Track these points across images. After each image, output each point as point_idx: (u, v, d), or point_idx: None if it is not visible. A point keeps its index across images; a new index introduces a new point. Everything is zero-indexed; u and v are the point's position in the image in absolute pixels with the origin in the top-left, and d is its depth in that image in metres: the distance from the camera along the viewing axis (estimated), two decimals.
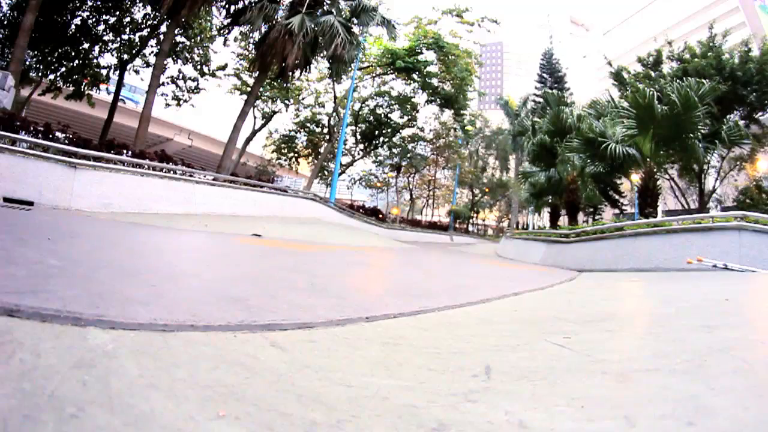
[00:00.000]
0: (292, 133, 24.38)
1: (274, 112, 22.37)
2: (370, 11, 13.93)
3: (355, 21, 14.10)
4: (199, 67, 17.89)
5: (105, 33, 15.41)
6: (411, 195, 34.66)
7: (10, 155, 5.49)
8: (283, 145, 24.82)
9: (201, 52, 17.64)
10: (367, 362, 0.92)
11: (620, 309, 2.06)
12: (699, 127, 8.96)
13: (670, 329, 1.40)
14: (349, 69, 16.77)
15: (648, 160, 9.35)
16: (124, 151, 8.16)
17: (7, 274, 1.16)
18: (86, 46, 15.09)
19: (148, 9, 15.37)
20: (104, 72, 16.21)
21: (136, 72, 16.47)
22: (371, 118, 23.65)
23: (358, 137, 24.11)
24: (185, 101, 18.43)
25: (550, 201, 15.10)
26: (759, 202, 15.14)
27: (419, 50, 19.74)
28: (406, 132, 25.49)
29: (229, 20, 14.19)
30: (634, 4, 55.35)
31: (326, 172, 24.67)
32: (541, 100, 23.70)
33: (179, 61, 17.19)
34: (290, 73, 13.72)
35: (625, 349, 1.20)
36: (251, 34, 16.14)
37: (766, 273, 4.26)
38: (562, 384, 0.83)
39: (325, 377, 0.79)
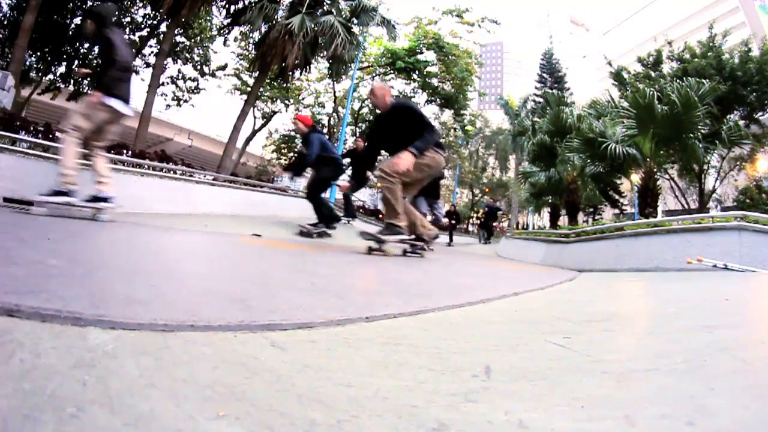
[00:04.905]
0: (292, 133, 24.39)
1: (274, 112, 22.38)
2: (370, 11, 13.93)
3: (355, 21, 14.09)
4: (199, 67, 17.89)
5: None
6: None
7: (10, 155, 5.48)
8: (283, 145, 24.83)
9: (201, 52, 17.64)
10: (367, 362, 0.92)
11: (620, 309, 2.06)
12: (699, 127, 8.97)
13: (670, 329, 1.40)
14: (349, 69, 16.78)
15: (648, 160, 9.36)
16: (124, 151, 8.15)
17: (7, 274, 1.16)
18: (86, 46, 15.10)
19: (148, 9, 15.38)
20: None
21: (136, 72, 16.47)
22: (371, 117, 23.65)
23: (358, 137, 24.11)
24: (185, 101, 18.43)
25: (550, 201, 15.10)
26: (759, 202, 15.15)
27: (419, 50, 19.73)
28: None
29: (229, 20, 14.20)
30: (634, 4, 55.35)
31: None
32: (541, 100, 23.70)
33: (179, 61, 17.19)
34: (290, 73, 13.73)
35: (625, 349, 1.20)
36: (251, 34, 16.15)
37: (766, 273, 4.25)
38: (562, 384, 0.83)
39: (325, 377, 0.79)
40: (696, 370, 0.88)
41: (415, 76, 20.61)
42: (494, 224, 16.19)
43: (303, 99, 23.13)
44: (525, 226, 35.09)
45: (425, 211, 7.08)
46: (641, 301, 2.54)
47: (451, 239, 14.25)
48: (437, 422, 0.62)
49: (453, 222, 14.76)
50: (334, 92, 20.40)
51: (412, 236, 4.03)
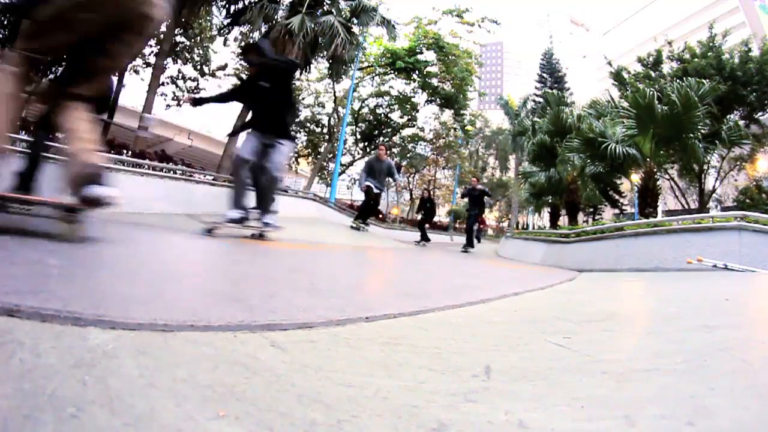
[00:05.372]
0: (292, 133, 24.37)
1: None
2: (370, 11, 13.93)
3: (355, 21, 14.09)
4: (199, 67, 17.86)
5: None
6: (411, 195, 34.67)
7: (10, 155, 5.50)
8: None
9: (201, 52, 17.62)
10: (367, 362, 0.92)
11: (620, 309, 2.06)
12: (699, 127, 8.99)
13: (670, 329, 1.40)
14: (349, 69, 16.77)
15: (648, 160, 9.37)
16: (124, 151, 8.16)
17: (7, 274, 1.16)
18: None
19: None
20: None
21: (136, 72, 16.47)
22: (371, 117, 23.66)
23: (358, 137, 24.11)
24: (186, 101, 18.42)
25: (550, 201, 15.11)
26: (759, 202, 15.16)
27: (419, 50, 19.75)
28: (406, 132, 25.49)
29: (229, 20, 14.18)
30: (634, 4, 55.36)
31: (326, 172, 24.67)
32: (541, 100, 23.71)
33: (179, 61, 17.16)
34: None
35: (625, 349, 1.20)
36: (251, 34, 16.12)
37: (766, 273, 4.26)
38: (562, 384, 0.83)
39: (325, 377, 0.79)
40: (696, 370, 0.88)
41: (415, 76, 20.62)
42: (482, 222, 10.83)
43: (303, 99, 23.16)
44: (525, 226, 35.11)
45: (247, 155, 3.64)
46: (641, 301, 2.54)
47: (423, 236, 10.58)
48: (437, 422, 0.62)
49: (428, 206, 11.13)
50: (334, 92, 20.41)
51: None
